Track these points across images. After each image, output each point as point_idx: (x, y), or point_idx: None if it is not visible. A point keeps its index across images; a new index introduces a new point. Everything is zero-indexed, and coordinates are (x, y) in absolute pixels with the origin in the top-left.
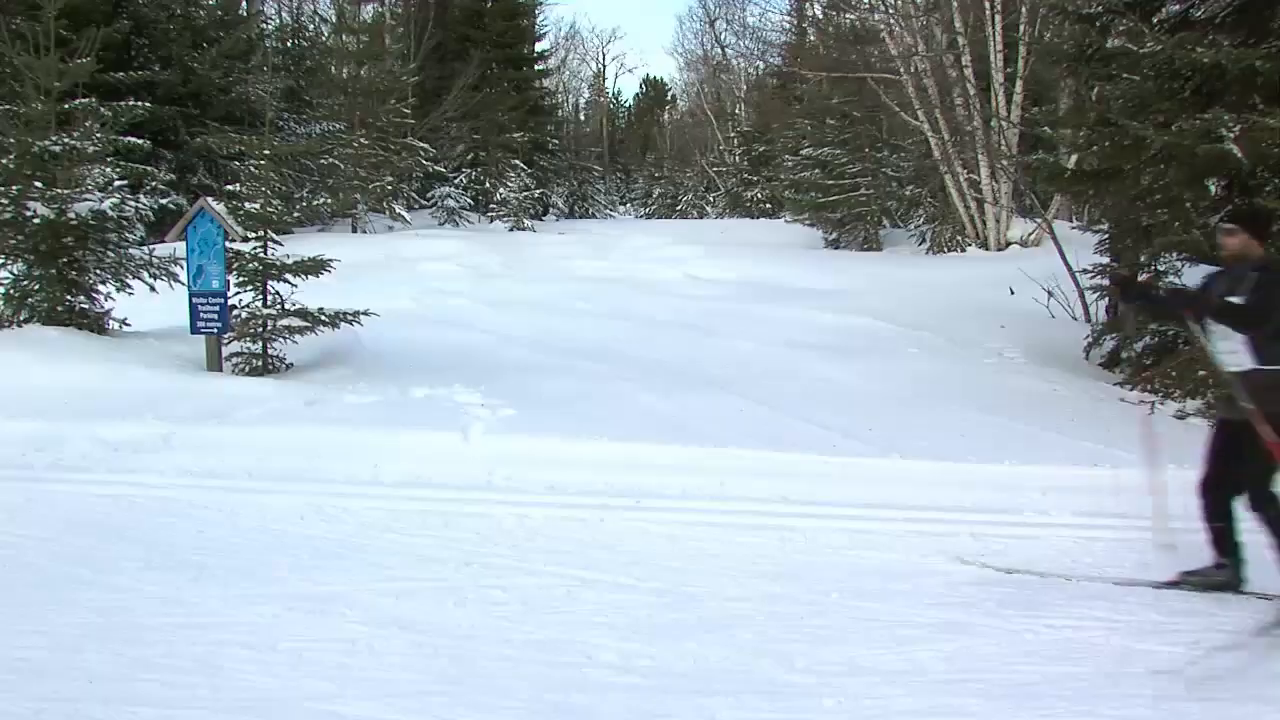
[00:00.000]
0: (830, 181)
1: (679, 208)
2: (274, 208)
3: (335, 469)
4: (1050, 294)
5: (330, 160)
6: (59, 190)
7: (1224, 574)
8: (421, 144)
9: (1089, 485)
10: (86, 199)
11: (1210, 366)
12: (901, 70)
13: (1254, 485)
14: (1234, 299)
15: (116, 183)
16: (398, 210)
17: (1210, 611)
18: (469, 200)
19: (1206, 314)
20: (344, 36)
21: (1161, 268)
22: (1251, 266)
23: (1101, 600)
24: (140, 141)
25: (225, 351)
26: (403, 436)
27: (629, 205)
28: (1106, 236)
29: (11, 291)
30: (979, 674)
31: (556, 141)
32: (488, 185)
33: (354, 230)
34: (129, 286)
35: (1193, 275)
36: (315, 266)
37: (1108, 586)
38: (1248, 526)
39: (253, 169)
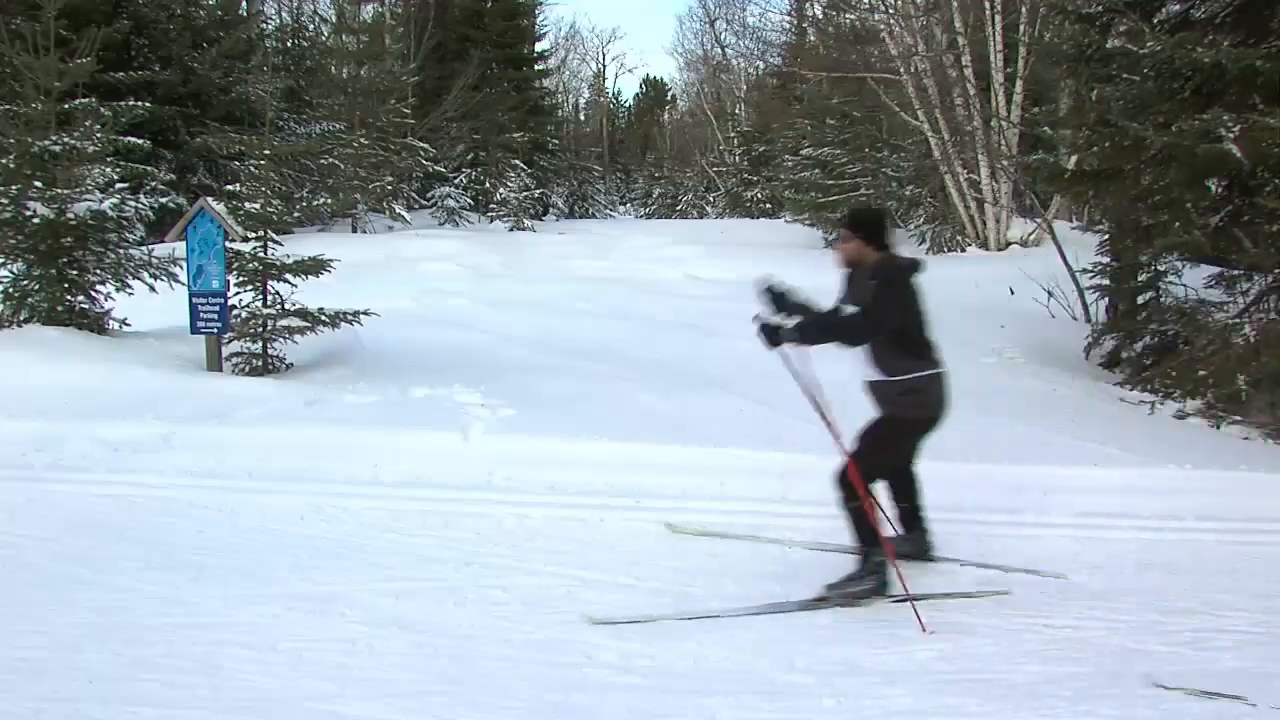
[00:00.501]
0: (830, 181)
1: (679, 208)
2: (274, 208)
3: (335, 469)
4: (1050, 294)
5: (330, 160)
6: (59, 190)
7: (911, 543)
8: (421, 144)
9: (1090, 485)
10: (86, 199)
11: (1210, 366)
12: (901, 70)
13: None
14: (851, 309)
15: (116, 183)
16: (398, 210)
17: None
18: (469, 200)
19: (825, 340)
20: (344, 36)
21: (1161, 267)
22: (870, 274)
23: (1102, 600)
24: (140, 141)
25: (225, 351)
26: (403, 436)
27: (629, 205)
28: (1106, 237)
29: (11, 291)
30: (979, 674)
31: (556, 141)
32: (488, 185)
33: (354, 230)
34: (129, 286)
35: (1193, 276)
36: (315, 266)
37: (1109, 588)
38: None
39: (253, 169)
